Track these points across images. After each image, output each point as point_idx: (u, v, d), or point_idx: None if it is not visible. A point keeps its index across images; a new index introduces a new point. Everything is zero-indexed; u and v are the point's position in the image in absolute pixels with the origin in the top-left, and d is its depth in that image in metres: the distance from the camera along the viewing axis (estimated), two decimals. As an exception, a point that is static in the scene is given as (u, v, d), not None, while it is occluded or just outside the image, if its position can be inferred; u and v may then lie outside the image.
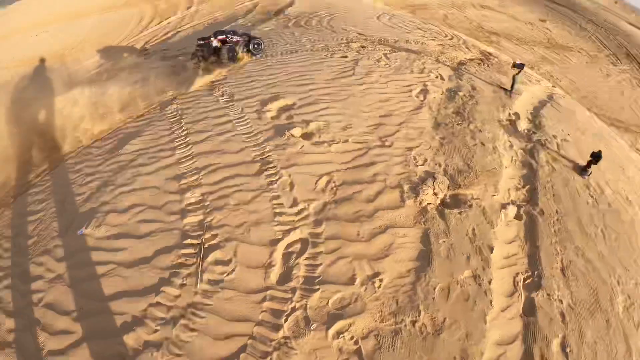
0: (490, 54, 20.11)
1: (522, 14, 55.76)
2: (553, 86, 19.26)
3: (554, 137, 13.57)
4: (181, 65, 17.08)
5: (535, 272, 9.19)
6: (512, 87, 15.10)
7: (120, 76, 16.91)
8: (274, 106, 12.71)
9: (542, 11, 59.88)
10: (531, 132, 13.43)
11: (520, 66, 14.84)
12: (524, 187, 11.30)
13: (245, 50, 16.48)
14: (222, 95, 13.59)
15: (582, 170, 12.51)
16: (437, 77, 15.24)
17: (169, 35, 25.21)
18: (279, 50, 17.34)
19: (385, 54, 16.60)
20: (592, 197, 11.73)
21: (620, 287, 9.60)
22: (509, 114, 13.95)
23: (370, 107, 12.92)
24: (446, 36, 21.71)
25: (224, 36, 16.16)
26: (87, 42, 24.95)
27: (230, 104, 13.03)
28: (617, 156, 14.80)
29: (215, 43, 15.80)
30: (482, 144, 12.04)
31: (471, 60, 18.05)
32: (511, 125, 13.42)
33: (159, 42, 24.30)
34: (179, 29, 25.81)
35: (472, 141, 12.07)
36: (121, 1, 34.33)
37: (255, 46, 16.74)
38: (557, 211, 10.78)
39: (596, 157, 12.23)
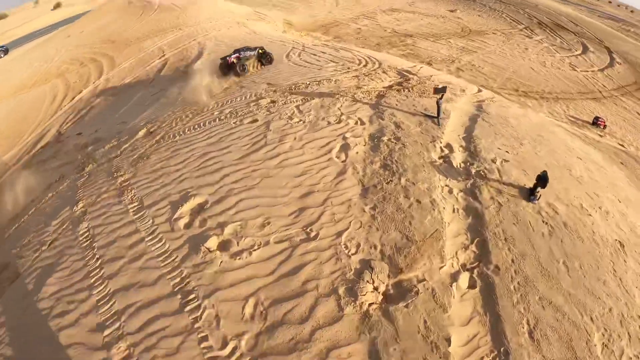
0: (409, 72, 19.11)
1: (433, 9, 55.57)
2: (479, 90, 18.27)
3: (493, 161, 12.31)
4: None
5: (502, 349, 7.85)
6: (438, 113, 13.82)
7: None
8: (186, 209, 10.95)
9: (450, 1, 60.09)
10: (468, 164, 12.12)
11: (442, 90, 13.60)
12: (472, 241, 9.91)
13: (257, 62, 20.56)
14: (132, 202, 11.76)
15: (531, 195, 11.27)
16: (356, 123, 13.81)
17: (82, 113, 23.77)
18: (184, 126, 15.66)
19: (297, 107, 15.13)
20: (546, 223, 10.50)
21: (595, 323, 8.53)
22: (441, 148, 12.62)
23: (288, 186, 11.28)
24: (360, 62, 20.53)
25: (238, 54, 19.93)
26: (3, 132, 23.66)
27: (140, 213, 11.21)
28: (560, 155, 13.84)
29: (232, 60, 19.78)
30: (418, 201, 10.60)
31: (390, 88, 16.84)
32: (446, 163, 12.08)
33: (74, 123, 22.93)
34: (92, 104, 24.46)
35: (407, 201, 10.61)
36: (32, 80, 32.15)
37: (267, 59, 20.99)
38: (513, 260, 9.45)
39: (542, 180, 11.01)
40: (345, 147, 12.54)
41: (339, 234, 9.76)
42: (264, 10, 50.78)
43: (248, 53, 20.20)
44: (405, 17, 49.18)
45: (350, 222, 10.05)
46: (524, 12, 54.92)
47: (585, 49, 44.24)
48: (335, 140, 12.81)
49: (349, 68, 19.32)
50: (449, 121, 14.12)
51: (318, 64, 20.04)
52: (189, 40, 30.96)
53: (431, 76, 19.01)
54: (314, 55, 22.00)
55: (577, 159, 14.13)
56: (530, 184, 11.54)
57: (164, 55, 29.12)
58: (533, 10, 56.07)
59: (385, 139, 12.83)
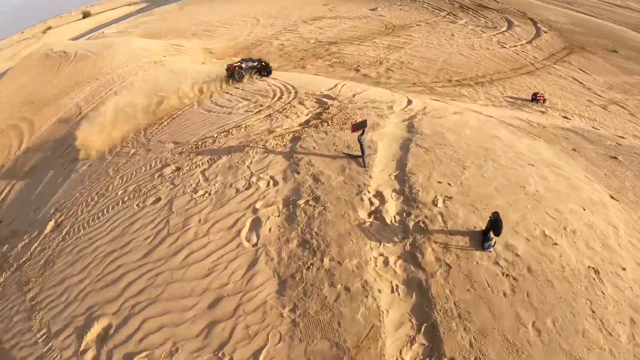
0: (328, 97, 16.93)
1: (354, 10, 53.69)
2: (408, 102, 16.25)
3: (434, 202, 10.14)
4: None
5: None
6: (362, 152, 11.53)
7: None
8: (91, 337, 9.00)
9: (371, 0, 58.49)
10: (404, 215, 9.89)
11: (361, 125, 11.22)
12: (419, 329, 7.73)
13: (255, 73, 22.05)
14: (40, 329, 9.78)
15: (484, 241, 9.12)
16: (268, 185, 11.49)
17: (4, 195, 21.06)
18: (89, 214, 13.19)
19: (203, 172, 12.77)
20: (507, 275, 8.47)
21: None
22: (370, 200, 10.36)
23: (195, 292, 8.98)
24: (274, 95, 18.25)
25: (240, 63, 22.20)
26: None
27: (49, 345, 9.25)
28: (509, 169, 11.88)
29: (235, 66, 21.70)
30: (347, 288, 8.34)
31: (307, 124, 14.55)
32: (377, 220, 9.81)
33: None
34: (12, 183, 21.83)
35: (333, 291, 8.33)
36: None
37: (266, 71, 22.51)
38: (471, 344, 7.34)
39: (495, 227, 8.88)
40: (256, 224, 10.18)
41: (256, 356, 7.38)
42: (182, 41, 48.13)
43: (250, 64, 22.41)
44: (328, 24, 47.20)
45: (268, 336, 7.74)
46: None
47: (510, 24, 43.18)
48: (244, 215, 10.45)
49: (261, 105, 17.01)
50: (377, 157, 11.91)
51: (229, 106, 17.72)
52: (105, 90, 28.26)
53: (354, 96, 17.02)
54: (227, 94, 19.69)
55: (529, 167, 12.17)
56: (481, 222, 9.46)
57: (81, 112, 26.45)
58: (450, -6, 55.02)
59: (302, 202, 10.49)
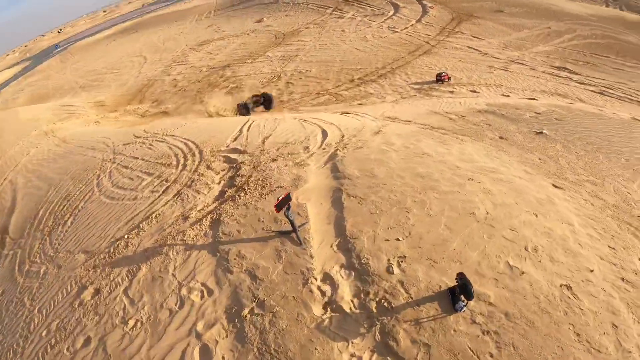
0: (237, 151, 15.08)
1: (240, 27, 51.94)
2: (323, 137, 14.77)
3: (389, 270, 8.82)
4: None
5: None
6: (293, 228, 10.04)
7: None
8: None
9: (255, 12, 56.88)
10: (362, 296, 8.50)
11: (285, 201, 9.60)
12: None
13: (261, 105, 25.32)
14: None
15: (453, 300, 7.99)
16: (202, 296, 9.59)
17: None
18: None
19: (125, 291, 10.64)
20: (486, 332, 7.36)
21: None
22: (320, 290, 8.84)
23: None
24: (178, 162, 15.82)
25: (253, 98, 25.78)
26: None
27: None
28: (452, 193, 10.86)
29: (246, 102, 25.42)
30: None
31: (222, 197, 12.73)
32: (336, 312, 8.37)
33: None
34: None
35: None
36: None
37: (268, 103, 25.45)
38: None
39: (464, 291, 7.75)
40: (206, 354, 8.41)
41: None
42: (71, 98, 44.59)
43: (255, 99, 25.52)
44: (217, 47, 45.34)
45: None
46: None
47: (396, 7, 43.11)
48: (188, 344, 8.61)
49: (166, 180, 14.71)
50: (310, 226, 10.44)
51: (132, 187, 15.27)
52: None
53: (263, 141, 15.26)
54: (127, 168, 17.45)
55: (469, 183, 11.18)
56: (444, 277, 8.32)
57: None
58: (332, -9, 54.40)
59: (246, 312, 8.78)
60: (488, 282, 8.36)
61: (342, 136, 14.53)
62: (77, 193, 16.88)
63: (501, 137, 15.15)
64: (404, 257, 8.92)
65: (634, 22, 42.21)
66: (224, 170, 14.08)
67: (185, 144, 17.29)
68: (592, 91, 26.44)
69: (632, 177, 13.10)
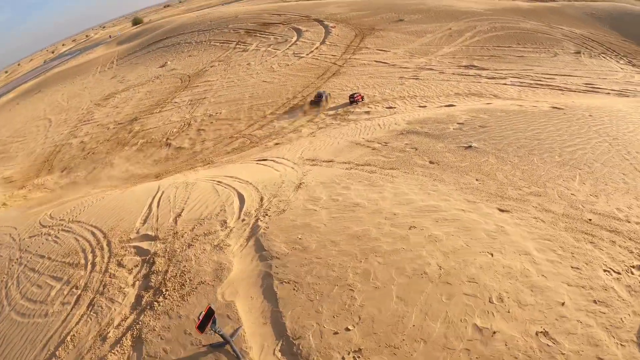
0: (148, 238, 12.62)
1: (144, 74, 48.70)
2: (241, 207, 12.79)
3: None
4: None
5: None
6: (227, 341, 7.99)
7: None
8: None
9: (158, 56, 54.15)
10: None
11: (208, 317, 7.51)
12: None
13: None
14: None
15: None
16: None
17: None
18: None
19: None
20: None
21: None
22: None
23: None
24: (87, 262, 13.03)
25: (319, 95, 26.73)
26: None
27: None
28: (397, 251, 9.43)
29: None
30: None
31: (140, 305, 10.45)
32: None
33: None
34: None
35: None
36: None
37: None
38: None
39: None
40: None
41: None
42: None
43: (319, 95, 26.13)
44: (122, 99, 42.31)
45: None
46: (228, 29, 51.28)
47: (299, 32, 42.07)
48: None
49: (76, 287, 11.94)
50: (245, 332, 8.46)
51: (42, 300, 12.13)
52: None
53: (176, 221, 13.01)
54: (34, 272, 14.56)
55: (412, 233, 9.64)
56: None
57: None
58: (234, 22, 52.71)
59: None
60: (460, 355, 6.80)
61: (261, 199, 12.54)
62: None
63: (431, 162, 13.83)
64: (359, 350, 7.16)
65: (528, 10, 43.48)
66: (137, 265, 11.78)
67: (93, 233, 14.69)
68: (503, 84, 26.29)
69: (570, 174, 12.25)
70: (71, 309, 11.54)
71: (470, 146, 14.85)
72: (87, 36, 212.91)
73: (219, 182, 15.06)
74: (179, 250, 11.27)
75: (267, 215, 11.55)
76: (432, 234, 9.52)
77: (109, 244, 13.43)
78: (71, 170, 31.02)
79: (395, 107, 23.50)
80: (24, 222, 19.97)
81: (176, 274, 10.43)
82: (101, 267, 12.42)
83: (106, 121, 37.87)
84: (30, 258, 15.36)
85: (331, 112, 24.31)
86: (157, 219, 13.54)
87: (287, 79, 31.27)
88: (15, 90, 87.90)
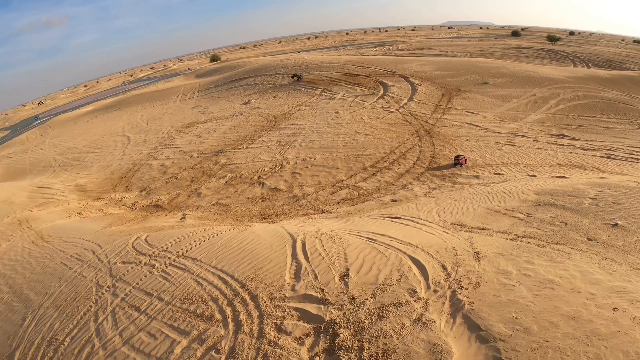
0: (315, 304, 10.46)
1: (227, 108, 49.20)
2: (427, 281, 11.01)
3: None
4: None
5: None
6: None
7: None
8: None
9: (240, 93, 54.90)
10: None
11: None
12: None
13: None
14: None
15: None
16: None
17: None
18: None
19: None
20: None
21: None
22: None
23: None
24: (224, 316, 10.77)
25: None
26: None
27: None
28: (623, 334, 8.29)
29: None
30: None
31: None
32: None
33: None
34: None
35: None
36: None
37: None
38: None
39: None
40: None
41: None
42: (49, 177, 40.01)
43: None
44: (205, 130, 42.73)
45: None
46: (314, 76, 52.14)
47: (385, 87, 42.20)
48: None
49: (217, 351, 9.66)
50: None
51: (159, 357, 10.15)
52: None
53: (344, 277, 11.09)
54: (140, 312, 12.13)
55: (617, 314, 8.69)
56: None
57: None
58: (319, 69, 53.66)
59: None
60: None
61: (444, 267, 10.98)
62: (68, 340, 11.96)
63: (589, 239, 13.06)
64: None
65: (608, 79, 42.79)
66: (307, 334, 9.44)
67: (223, 280, 12.36)
68: (600, 156, 25.64)
69: None
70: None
71: (617, 224, 14.20)
72: (165, 66, 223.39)
73: (371, 239, 13.51)
74: (367, 321, 9.27)
75: (462, 287, 10.07)
76: (636, 316, 8.80)
77: (254, 298, 11.07)
78: (151, 192, 30.71)
79: (503, 174, 22.88)
80: (108, 240, 18.57)
81: (377, 353, 8.44)
82: (251, 329, 9.98)
83: (189, 149, 38.07)
84: (130, 291, 13.16)
85: (437, 172, 23.81)
86: (315, 275, 11.51)
87: (380, 133, 31.06)
88: (94, 104, 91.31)
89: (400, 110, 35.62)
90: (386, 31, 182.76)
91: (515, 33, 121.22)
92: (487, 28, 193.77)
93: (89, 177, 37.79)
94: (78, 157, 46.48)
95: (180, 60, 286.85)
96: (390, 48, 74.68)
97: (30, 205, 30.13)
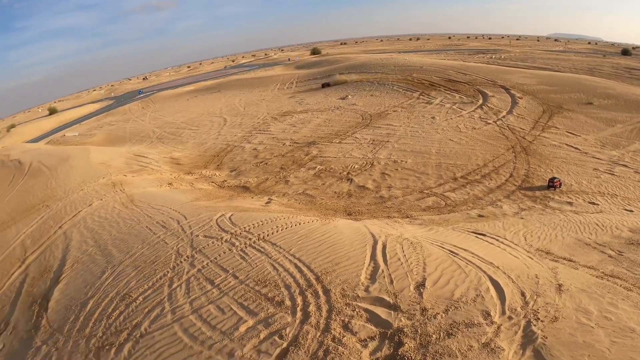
0: (387, 309, 10.42)
1: (324, 102, 50.42)
2: (503, 306, 10.66)
3: None
4: None
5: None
6: None
7: None
8: None
9: (338, 88, 56.10)
10: None
11: None
12: None
13: None
14: None
15: None
16: None
17: None
18: None
19: None
20: None
21: None
22: None
23: None
24: (294, 304, 11.18)
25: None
26: None
27: None
28: None
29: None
30: None
31: None
32: None
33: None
34: None
35: None
36: None
37: None
38: None
39: None
40: None
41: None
42: (146, 147, 43.36)
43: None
44: (300, 120, 44.21)
45: None
46: (413, 78, 52.11)
47: (485, 96, 41.39)
48: None
49: (280, 337, 9.97)
50: None
51: (224, 331, 10.53)
52: (54, 227, 21.84)
53: (419, 287, 10.93)
54: (213, 286, 12.54)
55: None
56: None
57: (25, 260, 19.59)
58: (420, 73, 53.49)
59: None
60: None
61: (522, 294, 10.75)
62: (141, 299, 12.78)
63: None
64: None
65: None
66: (372, 337, 9.39)
67: (298, 268, 12.50)
68: None
69: None
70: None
71: None
72: (266, 54, 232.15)
73: (453, 252, 13.45)
74: (434, 336, 9.11)
75: (538, 319, 9.80)
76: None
77: (326, 292, 11.11)
78: (241, 173, 32.20)
79: (598, 204, 22.16)
80: (193, 213, 19.27)
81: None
82: (318, 322, 10.03)
83: (282, 136, 39.54)
84: (207, 264, 13.71)
85: (529, 193, 23.46)
86: (391, 280, 11.35)
87: (475, 144, 30.80)
88: (195, 85, 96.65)
89: (497, 123, 35.03)
90: (489, 38, 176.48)
91: (625, 52, 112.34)
92: (596, 43, 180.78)
93: (183, 152, 40.37)
94: (175, 132, 49.47)
95: (281, 50, 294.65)
96: (493, 57, 72.56)
97: (125, 170, 32.43)
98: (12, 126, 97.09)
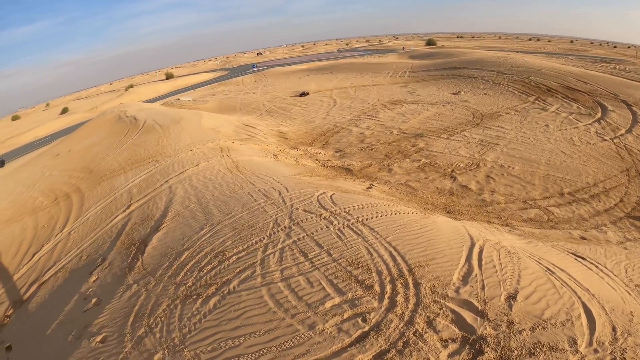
0: (472, 313, 10.55)
1: (436, 94, 50.68)
2: (591, 338, 11.03)
3: None
4: None
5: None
6: None
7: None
8: None
9: (451, 83, 55.59)
10: None
11: None
12: None
13: None
14: None
15: None
16: None
17: (30, 293, 17.94)
18: None
19: None
20: None
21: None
22: None
23: None
24: (382, 290, 11.53)
25: None
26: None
27: None
28: None
29: None
30: None
31: None
32: None
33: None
34: (40, 282, 18.52)
35: None
36: (7, 212, 27.87)
37: None
38: None
39: None
40: None
41: None
42: (255, 118, 46.08)
43: None
44: (410, 110, 44.70)
45: None
46: (529, 81, 50.62)
47: (604, 110, 39.45)
48: None
49: (363, 320, 10.43)
50: None
51: (310, 304, 11.22)
52: (160, 181, 24.38)
53: (510, 299, 10.87)
54: (306, 258, 13.10)
55: None
56: None
57: (130, 206, 22.44)
58: (538, 76, 51.73)
59: None
60: None
61: (614, 329, 10.40)
62: (234, 259, 13.63)
63: None
64: None
65: None
66: (454, 340, 9.46)
67: (392, 256, 12.62)
68: None
69: None
70: (348, 346, 9.43)
71: None
72: (380, 41, 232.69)
73: (550, 270, 13.24)
74: (516, 352, 8.98)
75: (624, 358, 9.44)
76: None
77: (416, 285, 11.25)
78: (345, 155, 33.28)
79: None
80: (295, 187, 20.10)
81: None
82: (403, 313, 10.26)
83: (390, 125, 40.21)
84: (303, 237, 14.21)
85: (637, 223, 22.70)
86: (483, 286, 11.22)
87: (587, 160, 29.86)
88: (308, 64, 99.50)
89: (614, 141, 33.59)
90: (615, 47, 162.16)
91: None
92: None
93: (290, 127, 42.25)
94: (285, 107, 51.75)
95: (396, 38, 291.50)
96: (617, 67, 67.63)
97: (233, 137, 34.76)
98: (131, 86, 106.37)
